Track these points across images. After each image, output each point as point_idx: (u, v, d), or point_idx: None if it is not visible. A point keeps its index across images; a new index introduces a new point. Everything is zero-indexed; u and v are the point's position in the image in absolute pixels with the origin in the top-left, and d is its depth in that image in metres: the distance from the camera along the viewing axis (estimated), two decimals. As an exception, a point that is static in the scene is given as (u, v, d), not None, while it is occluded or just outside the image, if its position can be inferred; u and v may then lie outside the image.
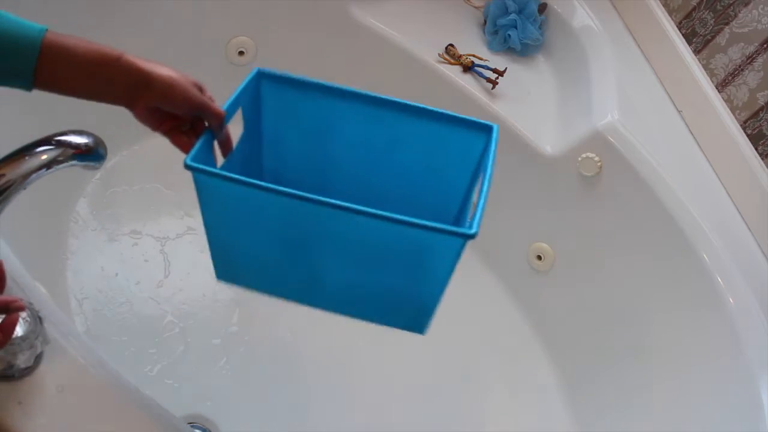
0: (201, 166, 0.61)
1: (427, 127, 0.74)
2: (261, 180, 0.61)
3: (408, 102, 0.74)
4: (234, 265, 0.74)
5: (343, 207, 0.59)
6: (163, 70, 0.63)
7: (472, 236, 0.61)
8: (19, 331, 0.60)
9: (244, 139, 0.74)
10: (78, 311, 1.13)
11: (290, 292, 0.74)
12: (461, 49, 1.35)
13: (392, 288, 0.70)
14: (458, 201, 0.80)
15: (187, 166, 0.61)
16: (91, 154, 0.65)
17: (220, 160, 0.70)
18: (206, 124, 0.67)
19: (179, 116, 0.66)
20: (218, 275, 0.74)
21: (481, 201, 0.64)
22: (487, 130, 0.72)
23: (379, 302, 0.73)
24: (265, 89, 0.76)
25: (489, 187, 0.66)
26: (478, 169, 0.75)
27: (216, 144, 0.69)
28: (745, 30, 1.18)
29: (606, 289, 1.24)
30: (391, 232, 0.61)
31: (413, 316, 0.74)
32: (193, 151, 0.63)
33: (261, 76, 0.75)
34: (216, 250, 0.72)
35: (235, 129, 0.71)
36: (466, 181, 0.77)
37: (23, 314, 0.61)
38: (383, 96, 0.74)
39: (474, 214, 0.63)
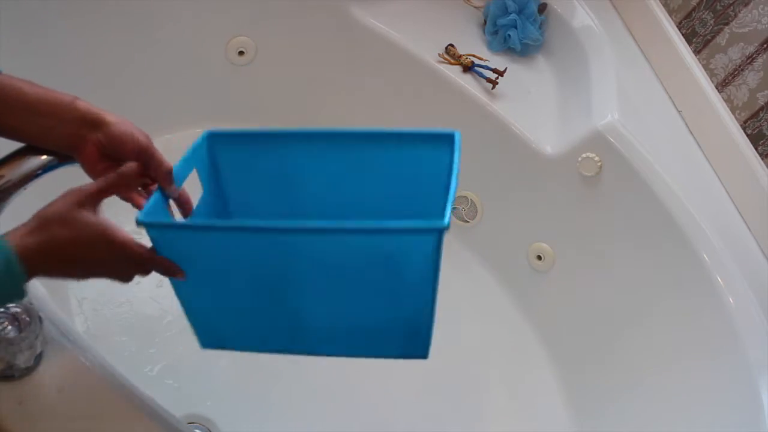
0: (156, 221, 0.59)
1: (392, 150, 0.71)
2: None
3: (365, 130, 0.71)
4: (215, 328, 0.71)
5: (305, 228, 0.57)
6: (113, 114, 0.62)
7: (444, 228, 0.57)
8: (19, 331, 0.60)
9: (205, 200, 0.72)
10: (78, 311, 1.13)
11: (278, 342, 0.71)
12: (461, 49, 1.35)
13: (378, 312, 0.67)
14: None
15: (140, 223, 0.58)
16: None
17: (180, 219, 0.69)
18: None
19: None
20: (202, 344, 0.71)
21: (450, 195, 0.60)
22: (448, 139, 0.69)
23: (369, 332, 0.69)
24: (218, 150, 0.72)
25: (456, 185, 0.63)
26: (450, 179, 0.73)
27: (174, 206, 0.67)
28: (745, 30, 1.18)
29: (606, 289, 1.24)
30: (361, 246, 0.59)
31: (409, 339, 0.70)
32: (146, 207, 0.60)
33: (212, 138, 0.72)
34: (193, 316, 0.70)
35: (196, 192, 0.70)
36: (442, 194, 0.75)
37: (23, 314, 0.61)
38: (339, 129, 0.72)
39: (444, 208, 0.59)
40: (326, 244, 0.58)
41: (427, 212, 0.72)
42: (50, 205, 0.56)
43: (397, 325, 0.68)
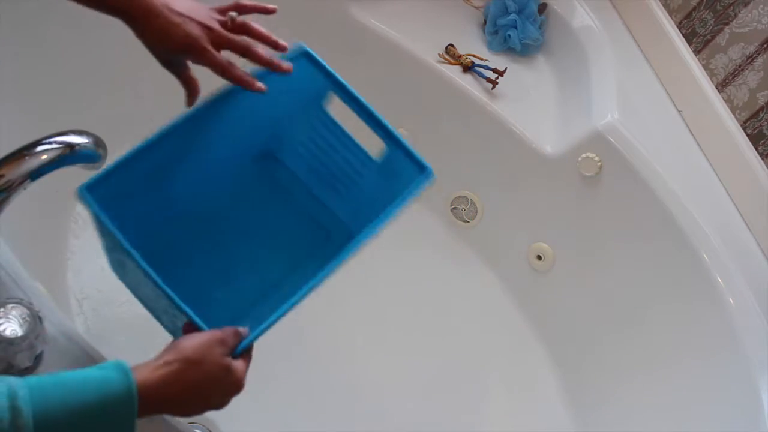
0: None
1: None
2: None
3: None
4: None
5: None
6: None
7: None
8: (18, 331, 0.60)
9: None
10: (78, 311, 1.13)
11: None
12: (461, 49, 1.34)
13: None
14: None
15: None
16: (91, 154, 0.65)
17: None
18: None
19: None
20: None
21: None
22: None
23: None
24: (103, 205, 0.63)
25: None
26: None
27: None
28: (745, 30, 1.18)
29: (606, 289, 1.24)
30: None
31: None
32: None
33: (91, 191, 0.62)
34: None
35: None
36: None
37: (23, 314, 0.61)
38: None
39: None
40: None
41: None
42: (189, 338, 0.57)
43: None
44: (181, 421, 0.69)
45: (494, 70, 1.29)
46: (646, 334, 1.16)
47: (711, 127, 1.23)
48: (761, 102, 1.15)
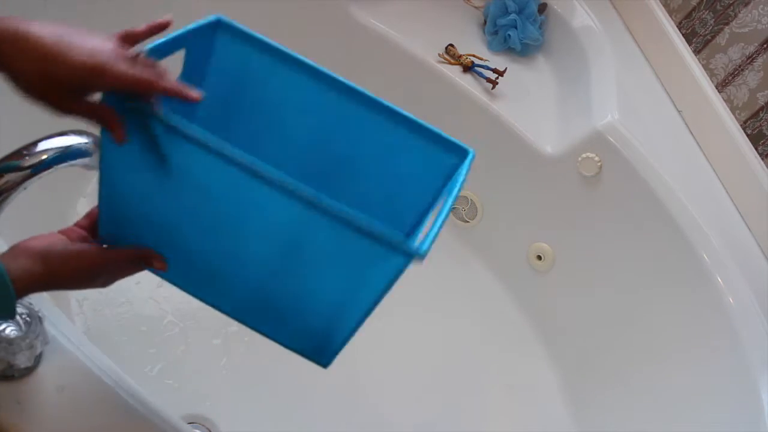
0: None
1: (396, 133, 0.64)
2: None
3: (382, 100, 0.64)
4: (124, 229, 0.61)
5: (283, 184, 0.48)
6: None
7: (418, 255, 0.50)
8: (18, 331, 0.60)
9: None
10: (78, 311, 1.13)
11: (186, 276, 0.63)
12: (461, 49, 1.35)
13: (307, 300, 0.60)
14: (411, 222, 0.70)
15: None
16: (91, 154, 0.65)
17: None
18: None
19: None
20: (102, 231, 0.62)
21: (438, 222, 0.53)
22: (461, 153, 0.64)
23: (286, 315, 0.63)
24: (220, 42, 0.64)
25: (449, 211, 0.56)
26: (440, 192, 0.66)
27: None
28: (745, 30, 1.18)
29: (606, 289, 1.24)
30: (326, 229, 0.51)
31: (322, 342, 0.64)
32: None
33: (220, 26, 0.63)
34: (108, 207, 0.60)
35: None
36: (426, 202, 0.68)
37: (23, 314, 0.61)
38: (355, 86, 0.64)
39: (427, 234, 0.51)
40: (291, 209, 0.50)
41: (399, 210, 0.67)
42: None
43: (318, 323, 0.62)
44: (181, 421, 0.69)
45: (494, 70, 1.29)
46: (645, 333, 1.16)
47: (711, 127, 1.23)
48: (761, 102, 1.15)
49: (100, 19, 1.22)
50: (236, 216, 0.55)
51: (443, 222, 0.53)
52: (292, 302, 0.61)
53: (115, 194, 0.59)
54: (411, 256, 0.50)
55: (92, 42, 0.50)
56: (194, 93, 0.53)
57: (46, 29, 0.50)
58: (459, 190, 0.60)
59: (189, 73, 0.64)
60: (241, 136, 0.69)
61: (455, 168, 0.64)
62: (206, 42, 0.64)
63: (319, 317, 0.61)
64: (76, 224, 0.62)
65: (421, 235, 0.56)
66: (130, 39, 0.54)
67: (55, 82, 0.48)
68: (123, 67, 0.49)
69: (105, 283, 0.60)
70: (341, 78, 0.64)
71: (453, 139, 0.65)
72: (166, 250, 0.60)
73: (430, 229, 0.52)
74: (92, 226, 0.62)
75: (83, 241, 0.60)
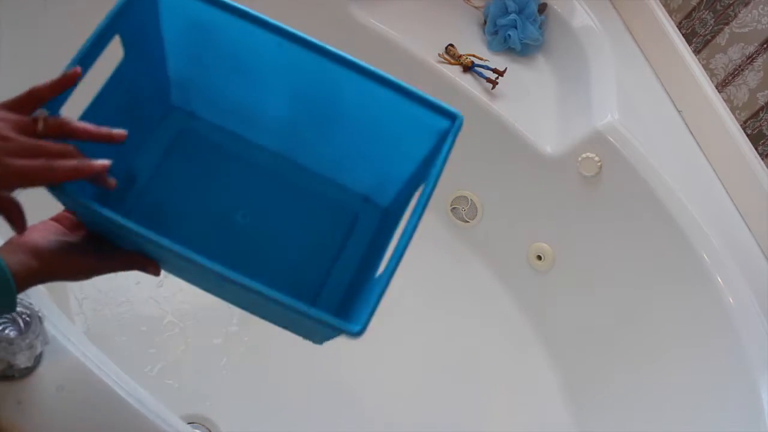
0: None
1: (378, 94, 0.62)
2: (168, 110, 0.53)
3: (358, 61, 0.63)
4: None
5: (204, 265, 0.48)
6: None
7: (354, 334, 0.49)
8: (18, 331, 0.60)
9: (128, 66, 0.61)
10: (78, 311, 1.13)
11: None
12: (461, 49, 1.34)
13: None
14: (395, 189, 0.69)
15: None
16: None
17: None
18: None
19: None
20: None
21: (375, 295, 0.52)
22: (449, 116, 0.61)
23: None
24: (167, 8, 0.61)
25: (427, 199, 0.55)
26: (428, 156, 0.64)
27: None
28: (745, 30, 1.18)
29: (606, 289, 1.24)
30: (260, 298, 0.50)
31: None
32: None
33: None
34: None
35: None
36: (415, 164, 0.66)
37: (23, 314, 0.61)
38: (329, 47, 0.62)
39: (366, 305, 0.50)
40: (214, 280, 0.52)
41: (381, 175, 0.66)
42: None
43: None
44: (181, 421, 0.69)
45: (494, 70, 1.29)
46: (645, 333, 1.16)
47: (711, 127, 1.23)
48: (761, 102, 1.15)
49: (100, 19, 1.22)
50: (179, 271, 0.56)
51: (383, 292, 0.52)
52: (269, 315, 0.62)
53: (87, 224, 0.60)
54: (347, 332, 0.50)
55: None
56: (111, 181, 0.51)
57: None
58: (443, 161, 0.58)
59: (133, 48, 0.61)
60: (220, 88, 0.68)
61: (446, 132, 0.61)
62: (143, 12, 0.60)
63: (298, 329, 0.63)
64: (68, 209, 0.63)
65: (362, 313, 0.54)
66: (32, 100, 0.49)
67: None
68: (8, 163, 0.45)
69: (98, 275, 0.59)
70: (309, 38, 0.62)
71: (440, 102, 0.63)
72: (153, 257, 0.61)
73: (369, 304, 0.51)
74: None
75: (77, 229, 0.60)
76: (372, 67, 0.62)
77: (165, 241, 0.49)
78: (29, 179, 0.46)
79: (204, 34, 0.63)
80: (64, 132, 0.50)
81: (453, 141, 0.59)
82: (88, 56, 0.54)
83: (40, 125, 0.48)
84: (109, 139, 0.51)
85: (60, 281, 0.57)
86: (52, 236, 0.57)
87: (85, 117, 0.57)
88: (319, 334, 0.60)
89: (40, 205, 0.60)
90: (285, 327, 0.65)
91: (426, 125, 0.62)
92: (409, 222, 0.54)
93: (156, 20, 0.62)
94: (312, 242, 0.66)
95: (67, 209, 0.60)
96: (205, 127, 0.73)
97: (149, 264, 0.59)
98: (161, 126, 0.72)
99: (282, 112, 0.68)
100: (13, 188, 0.47)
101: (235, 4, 0.61)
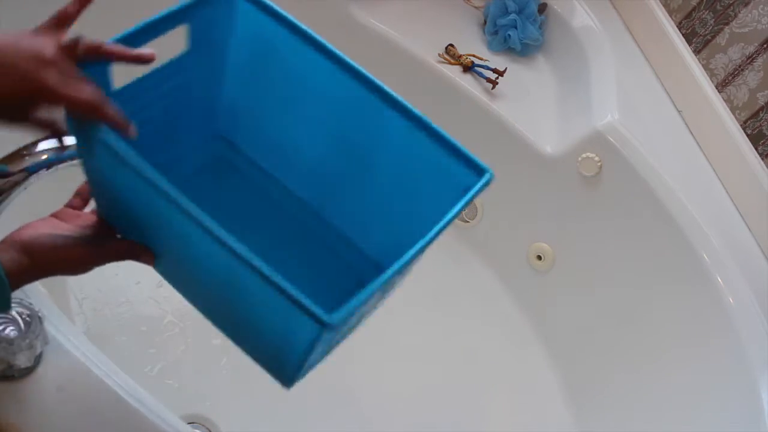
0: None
1: (415, 136, 0.60)
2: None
3: (404, 102, 0.61)
4: (112, 214, 0.60)
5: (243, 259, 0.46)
6: None
7: (326, 325, 0.45)
8: (18, 331, 0.60)
9: (187, 61, 0.60)
10: (78, 311, 1.13)
11: (166, 272, 0.63)
12: (461, 49, 1.35)
13: (255, 326, 0.59)
14: (422, 228, 0.64)
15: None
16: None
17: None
18: None
19: None
20: (99, 214, 0.62)
21: (363, 296, 0.48)
22: (478, 172, 0.60)
23: (243, 333, 0.62)
24: (242, 10, 0.61)
25: (413, 257, 0.52)
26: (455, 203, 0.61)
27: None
28: (745, 30, 1.18)
29: (606, 289, 1.24)
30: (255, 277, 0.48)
31: (277, 366, 0.63)
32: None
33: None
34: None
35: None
36: (440, 211, 0.62)
37: (23, 314, 0.61)
38: (377, 81, 0.61)
39: (345, 306, 0.47)
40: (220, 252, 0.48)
41: (420, 221, 0.61)
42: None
43: (269, 349, 0.61)
44: (181, 421, 0.69)
45: (494, 70, 1.29)
46: (645, 333, 1.16)
47: (711, 127, 1.23)
48: (761, 102, 1.15)
49: (100, 19, 1.22)
50: (179, 240, 0.55)
51: (369, 296, 0.49)
52: (244, 324, 0.60)
53: (96, 192, 0.60)
54: (321, 324, 0.46)
55: (27, 63, 0.46)
56: (132, 130, 0.50)
57: None
58: (456, 214, 0.55)
59: (198, 45, 0.61)
60: (264, 119, 0.68)
61: (467, 188, 0.59)
62: (219, 12, 0.61)
63: (269, 345, 0.60)
64: (69, 205, 0.62)
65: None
66: (63, 20, 0.50)
67: None
68: (64, 90, 0.47)
69: (93, 268, 0.59)
70: (364, 70, 0.62)
71: (472, 155, 0.61)
72: (150, 245, 0.59)
73: (350, 301, 0.48)
74: (83, 204, 0.62)
75: (77, 221, 0.59)
76: (416, 110, 0.60)
77: (182, 199, 0.47)
78: (83, 107, 0.48)
79: (264, 54, 0.63)
80: (100, 53, 0.50)
81: (472, 198, 0.57)
82: (150, 30, 0.54)
83: (81, 47, 0.49)
84: (138, 59, 0.52)
85: (56, 276, 0.57)
86: (43, 231, 0.56)
87: (125, 91, 0.56)
88: (287, 345, 0.57)
89: (43, 207, 0.60)
90: (250, 348, 0.62)
91: (454, 180, 0.60)
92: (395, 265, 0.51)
93: (229, 25, 0.62)
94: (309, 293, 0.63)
95: (85, 167, 0.57)
96: (242, 159, 0.73)
97: (143, 253, 0.59)
98: (200, 146, 0.71)
99: (319, 151, 0.68)
100: (60, 105, 0.48)
101: (302, 25, 0.61)
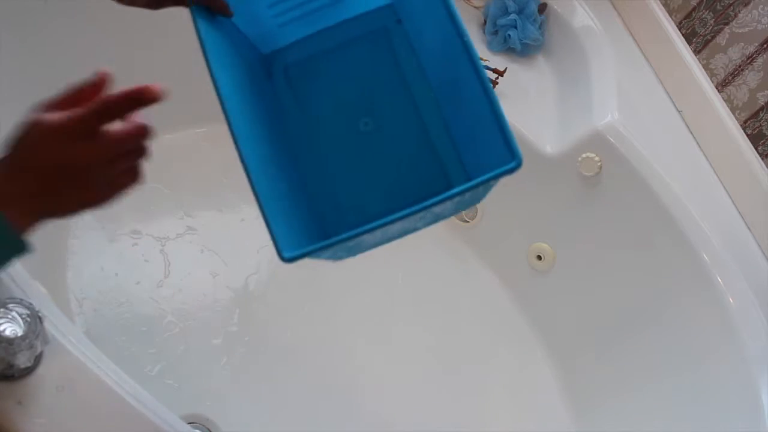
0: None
1: (482, 102, 0.64)
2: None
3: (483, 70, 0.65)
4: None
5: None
6: None
7: (283, 259, 0.50)
8: (18, 331, 0.60)
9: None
10: (78, 311, 1.13)
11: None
12: (461, 49, 1.34)
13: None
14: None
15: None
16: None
17: None
18: None
19: None
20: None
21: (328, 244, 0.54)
22: (510, 156, 0.62)
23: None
24: None
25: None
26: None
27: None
28: (745, 30, 1.18)
29: (606, 289, 1.24)
30: None
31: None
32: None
33: None
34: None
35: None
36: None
37: (23, 314, 0.61)
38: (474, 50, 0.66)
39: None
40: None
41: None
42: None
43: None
44: (181, 421, 0.69)
45: (494, 70, 1.29)
46: (645, 333, 1.16)
47: (711, 127, 1.23)
48: (761, 102, 1.15)
49: (99, 19, 1.22)
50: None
51: (331, 245, 0.53)
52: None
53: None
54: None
55: None
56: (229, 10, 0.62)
57: None
58: (474, 186, 0.59)
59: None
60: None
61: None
62: None
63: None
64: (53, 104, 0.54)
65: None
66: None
67: None
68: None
69: (109, 186, 0.53)
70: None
71: (514, 141, 0.62)
72: None
73: (312, 246, 0.52)
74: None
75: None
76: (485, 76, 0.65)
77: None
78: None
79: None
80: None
81: (496, 177, 0.61)
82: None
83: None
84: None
85: (65, 208, 0.52)
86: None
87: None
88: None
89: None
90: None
91: (495, 153, 0.64)
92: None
93: None
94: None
95: None
96: None
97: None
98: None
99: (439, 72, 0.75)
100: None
101: None
